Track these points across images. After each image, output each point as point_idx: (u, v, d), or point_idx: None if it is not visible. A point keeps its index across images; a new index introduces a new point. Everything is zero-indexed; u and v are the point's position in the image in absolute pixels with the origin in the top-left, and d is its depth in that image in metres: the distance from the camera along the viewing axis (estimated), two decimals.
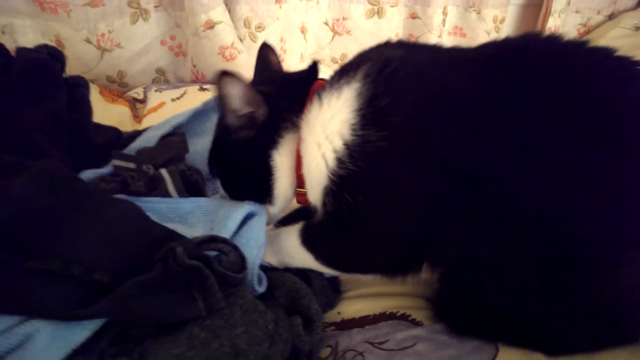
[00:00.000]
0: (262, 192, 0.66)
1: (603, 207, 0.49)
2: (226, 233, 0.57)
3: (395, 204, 0.56)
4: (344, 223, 0.59)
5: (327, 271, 0.67)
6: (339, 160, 0.56)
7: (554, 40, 0.57)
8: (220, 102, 0.59)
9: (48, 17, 1.24)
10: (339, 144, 0.56)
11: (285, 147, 0.63)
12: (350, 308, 0.67)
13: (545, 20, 1.65)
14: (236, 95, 0.59)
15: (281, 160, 0.64)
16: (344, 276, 0.73)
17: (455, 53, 0.60)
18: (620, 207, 0.49)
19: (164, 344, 0.44)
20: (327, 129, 0.57)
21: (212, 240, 0.50)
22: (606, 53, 0.55)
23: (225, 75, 0.57)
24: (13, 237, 0.48)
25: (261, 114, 0.62)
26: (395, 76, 0.54)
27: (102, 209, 0.53)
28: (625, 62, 0.54)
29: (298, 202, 0.69)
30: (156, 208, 0.60)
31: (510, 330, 0.57)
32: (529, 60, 0.53)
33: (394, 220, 0.57)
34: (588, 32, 1.78)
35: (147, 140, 0.76)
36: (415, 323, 0.63)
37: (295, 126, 0.62)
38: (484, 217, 0.53)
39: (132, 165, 0.65)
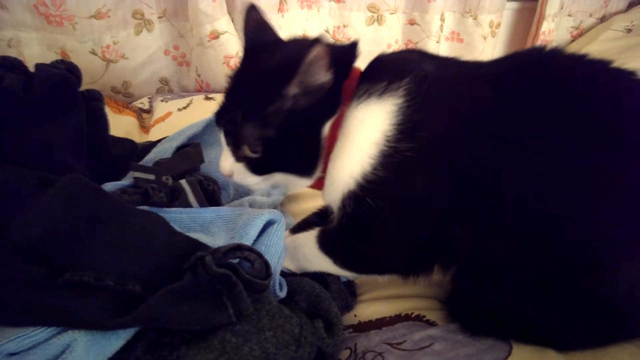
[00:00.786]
0: (306, 164, 0.63)
1: (613, 209, 0.52)
2: (247, 241, 0.59)
3: (414, 209, 0.59)
4: (362, 226, 0.60)
5: (345, 274, 0.68)
6: (371, 167, 0.57)
7: (558, 53, 0.61)
8: (296, 71, 0.55)
9: (54, 30, 1.26)
10: (375, 152, 0.57)
11: (330, 124, 0.62)
12: (367, 311, 0.69)
13: (539, 24, 1.68)
14: (316, 61, 0.55)
15: (325, 135, 0.62)
16: (360, 278, 0.75)
17: (476, 69, 0.63)
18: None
19: (197, 350, 0.46)
20: (369, 137, 0.58)
21: (238, 248, 0.51)
22: (604, 64, 0.59)
23: (319, 44, 0.53)
24: (45, 251, 0.49)
25: (329, 85, 0.58)
26: (428, 93, 0.57)
27: (129, 221, 0.55)
28: (621, 72, 0.58)
29: (313, 187, 0.68)
30: (178, 218, 0.62)
31: (519, 329, 0.59)
32: (540, 76, 0.57)
33: (411, 224, 0.60)
34: (580, 34, 1.82)
35: (163, 152, 0.77)
36: (430, 323, 0.65)
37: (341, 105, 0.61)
38: (495, 221, 0.56)
39: (151, 177, 0.67)
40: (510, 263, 0.57)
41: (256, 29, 0.68)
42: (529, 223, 0.54)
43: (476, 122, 0.56)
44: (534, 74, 0.58)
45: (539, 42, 1.70)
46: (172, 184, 0.67)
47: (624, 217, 0.53)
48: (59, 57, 1.25)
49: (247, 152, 0.62)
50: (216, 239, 0.60)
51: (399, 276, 0.66)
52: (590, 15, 1.79)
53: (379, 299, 0.72)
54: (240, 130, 0.60)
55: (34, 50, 1.28)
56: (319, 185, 0.66)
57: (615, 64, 0.58)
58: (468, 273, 0.61)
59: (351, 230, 0.62)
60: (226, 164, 0.64)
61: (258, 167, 0.63)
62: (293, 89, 0.57)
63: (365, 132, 0.59)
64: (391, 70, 0.61)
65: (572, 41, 1.82)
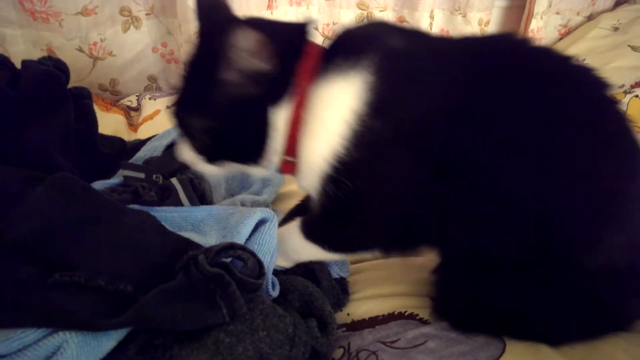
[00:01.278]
0: (252, 151, 0.62)
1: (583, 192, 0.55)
2: (239, 240, 0.59)
3: (391, 189, 0.58)
4: (342, 208, 0.60)
5: (335, 257, 0.68)
6: (344, 147, 0.56)
7: (527, 42, 0.62)
8: (226, 55, 0.54)
9: (40, 27, 1.24)
10: (346, 131, 0.56)
11: (284, 108, 0.60)
12: (360, 309, 0.69)
13: (528, 21, 1.69)
14: (248, 48, 0.54)
15: (277, 121, 0.60)
16: (350, 257, 0.74)
17: (449, 45, 0.62)
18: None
19: (190, 350, 0.45)
20: (339, 115, 0.56)
21: (231, 247, 0.51)
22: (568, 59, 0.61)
23: (241, 26, 0.53)
24: (35, 250, 0.48)
25: (269, 69, 0.57)
26: (400, 70, 0.57)
27: (119, 220, 0.54)
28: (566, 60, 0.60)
29: (282, 170, 0.66)
30: (169, 217, 0.61)
31: (505, 322, 0.60)
32: (513, 59, 0.58)
33: (390, 203, 0.59)
34: (568, 32, 1.84)
35: (153, 150, 0.76)
36: (424, 322, 0.65)
37: (294, 87, 0.59)
38: (472, 204, 0.57)
39: (141, 175, 0.66)
40: (491, 249, 0.57)
41: (208, 10, 0.65)
42: (506, 206, 0.55)
43: (449, 101, 0.56)
44: (507, 56, 0.58)
45: None
46: (163, 182, 0.66)
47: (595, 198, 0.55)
48: (45, 54, 1.22)
49: (195, 142, 0.62)
50: (208, 238, 0.60)
51: (384, 252, 0.67)
52: (578, 14, 1.81)
53: (372, 298, 0.71)
54: (184, 121, 0.60)
55: (20, 48, 1.25)
56: (289, 169, 0.64)
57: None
58: (452, 264, 0.62)
59: (333, 213, 0.61)
60: (183, 154, 0.64)
61: (209, 156, 0.63)
62: (231, 75, 0.56)
63: (335, 111, 0.57)
64: (359, 45, 0.59)
65: (560, 39, 1.84)
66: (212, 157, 0.63)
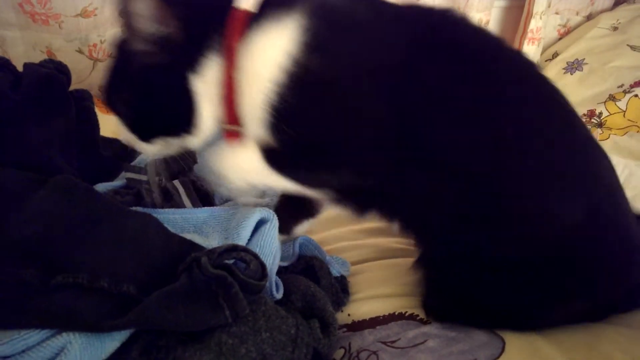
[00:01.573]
0: (180, 122, 0.61)
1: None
2: (241, 242, 0.59)
3: (336, 132, 0.58)
4: (295, 152, 0.60)
5: (294, 187, 0.65)
6: (282, 92, 0.55)
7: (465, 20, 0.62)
8: (124, 22, 0.54)
9: (39, 29, 1.24)
10: (277, 72, 0.55)
11: (209, 74, 0.59)
12: (360, 310, 0.70)
13: (527, 21, 1.70)
14: (145, 13, 0.53)
15: (203, 87, 0.60)
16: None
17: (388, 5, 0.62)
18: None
19: (194, 352, 0.45)
20: (267, 57, 0.56)
21: (234, 249, 0.51)
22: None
23: None
24: (38, 253, 0.49)
25: (175, 35, 0.57)
26: (336, 11, 0.57)
27: (122, 222, 0.54)
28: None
29: (228, 139, 0.65)
30: (171, 219, 0.61)
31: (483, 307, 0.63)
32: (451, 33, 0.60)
33: (337, 148, 0.59)
34: (568, 32, 1.84)
35: None
36: (424, 322, 0.66)
37: (219, 51, 0.59)
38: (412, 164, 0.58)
39: (144, 178, 0.66)
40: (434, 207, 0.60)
41: None
42: (449, 169, 0.57)
43: (386, 52, 0.56)
44: (445, 29, 0.60)
45: (527, 40, 1.72)
46: (165, 184, 0.67)
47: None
48: (44, 57, 1.23)
49: (125, 120, 0.62)
50: (210, 240, 0.60)
51: (336, 197, 0.66)
52: (577, 13, 1.82)
53: (373, 298, 0.72)
54: (112, 101, 0.61)
55: (19, 50, 1.25)
56: (234, 137, 0.64)
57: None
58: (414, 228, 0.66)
59: (291, 150, 0.60)
60: (122, 134, 0.64)
61: (141, 134, 0.62)
62: (138, 45, 0.56)
63: (267, 58, 0.56)
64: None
65: (560, 39, 1.84)
66: (144, 134, 0.63)
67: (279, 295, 0.60)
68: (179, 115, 0.61)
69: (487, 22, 1.70)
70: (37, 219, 0.51)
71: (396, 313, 0.67)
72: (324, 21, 0.56)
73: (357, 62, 0.56)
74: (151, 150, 0.65)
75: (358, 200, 0.66)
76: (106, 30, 1.31)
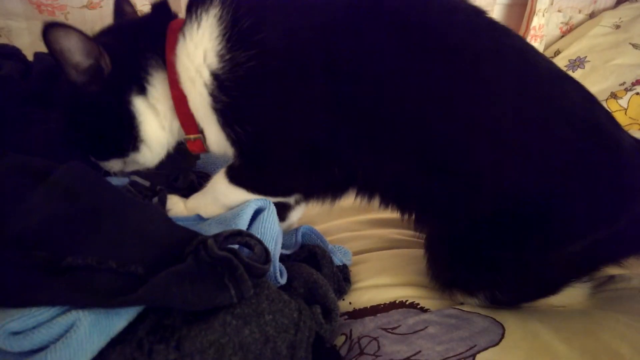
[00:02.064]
0: (123, 142, 0.64)
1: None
2: None
3: (283, 122, 0.58)
4: (251, 153, 0.61)
5: (261, 198, 0.67)
6: (213, 94, 0.56)
7: None
8: (57, 58, 0.56)
9: (45, 19, 1.24)
10: (207, 74, 0.56)
11: (156, 91, 0.62)
12: (362, 298, 0.71)
13: (530, 19, 1.70)
14: (72, 48, 0.56)
15: (148, 106, 0.63)
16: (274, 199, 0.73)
17: None
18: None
19: (199, 331, 0.46)
20: (194, 62, 0.57)
21: (239, 234, 0.52)
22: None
23: (54, 27, 0.55)
24: (49, 235, 0.50)
25: (105, 63, 0.59)
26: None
27: (130, 209, 0.55)
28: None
29: (191, 150, 0.69)
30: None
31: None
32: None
33: (290, 140, 0.60)
34: (570, 30, 1.84)
35: None
36: (424, 310, 0.66)
37: (161, 68, 0.61)
38: (369, 135, 0.59)
39: (147, 184, 0.69)
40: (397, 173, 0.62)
41: (116, 16, 0.72)
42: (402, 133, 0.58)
43: (320, 21, 0.55)
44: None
45: (529, 37, 1.73)
46: (161, 195, 0.68)
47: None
48: None
49: (76, 143, 0.65)
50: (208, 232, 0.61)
51: (305, 196, 0.68)
52: (580, 11, 1.82)
53: (374, 287, 0.73)
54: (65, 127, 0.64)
55: (25, 40, 1.26)
56: (198, 146, 0.66)
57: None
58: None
59: (247, 160, 0.62)
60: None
61: (95, 155, 0.66)
62: (72, 74, 0.59)
63: (194, 63, 0.57)
64: None
65: (562, 37, 1.85)
66: (97, 155, 0.66)
67: (282, 280, 0.61)
68: (121, 136, 0.64)
69: None
70: (49, 203, 0.52)
71: (397, 301, 0.68)
72: (238, 7, 0.55)
73: (285, 40, 0.55)
74: (112, 167, 0.68)
75: (327, 189, 0.68)
76: (111, 22, 1.31)
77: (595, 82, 1.55)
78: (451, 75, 0.57)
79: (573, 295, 0.66)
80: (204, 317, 0.48)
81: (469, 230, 0.62)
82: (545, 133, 0.58)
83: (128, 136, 0.63)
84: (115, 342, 0.45)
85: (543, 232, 0.60)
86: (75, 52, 0.57)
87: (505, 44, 0.60)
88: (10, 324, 0.41)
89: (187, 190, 0.74)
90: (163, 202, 0.69)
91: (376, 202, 0.67)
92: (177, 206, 0.70)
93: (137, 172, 0.73)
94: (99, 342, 0.44)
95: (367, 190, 0.67)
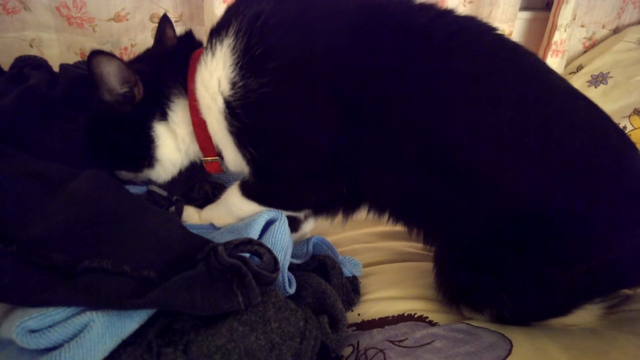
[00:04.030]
0: (140, 159, 0.69)
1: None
2: None
3: (296, 144, 0.61)
4: (264, 172, 0.64)
5: (274, 211, 0.69)
6: (228, 119, 0.60)
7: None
8: (96, 81, 0.61)
9: (74, 32, 1.30)
10: (221, 101, 0.59)
11: (176, 116, 0.67)
12: (370, 310, 0.71)
13: (551, 34, 1.69)
14: (112, 74, 0.61)
15: (166, 129, 0.67)
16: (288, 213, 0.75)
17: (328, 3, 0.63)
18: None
19: (206, 336, 0.48)
20: (210, 89, 0.60)
21: (249, 242, 0.54)
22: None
23: (99, 54, 0.59)
24: (67, 239, 0.52)
25: (138, 91, 0.64)
26: (266, 26, 0.58)
27: (145, 215, 0.57)
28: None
29: (208, 171, 0.73)
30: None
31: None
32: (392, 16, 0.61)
33: (302, 160, 0.62)
34: (593, 45, 1.83)
35: None
36: (432, 324, 0.67)
37: (182, 95, 0.66)
38: (388, 153, 0.60)
39: (164, 193, 0.72)
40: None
41: (157, 38, 0.76)
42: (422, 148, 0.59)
43: (329, 49, 0.58)
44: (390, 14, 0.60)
45: (550, 52, 1.71)
46: (180, 205, 0.71)
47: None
48: (78, 58, 1.29)
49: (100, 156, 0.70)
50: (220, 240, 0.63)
51: (320, 212, 0.72)
52: (603, 27, 1.80)
53: (383, 299, 0.73)
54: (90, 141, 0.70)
55: (55, 51, 1.32)
56: (215, 167, 0.71)
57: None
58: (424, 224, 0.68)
59: (260, 176, 0.65)
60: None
61: (108, 165, 0.70)
62: (105, 94, 0.63)
63: (207, 90, 0.61)
64: (219, 23, 0.62)
65: (585, 52, 1.83)
66: (112, 166, 0.70)
67: (291, 290, 0.62)
68: (138, 154, 0.69)
69: (511, 34, 1.70)
70: (69, 208, 0.54)
71: (405, 314, 0.68)
72: (252, 34, 0.58)
73: (295, 67, 0.58)
74: (124, 177, 0.73)
75: (336, 206, 0.70)
76: (137, 34, 1.36)
77: (618, 98, 1.53)
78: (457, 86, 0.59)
79: (584, 315, 0.65)
80: (212, 322, 0.49)
81: (476, 246, 0.62)
82: (558, 150, 0.58)
83: (144, 155, 0.69)
84: (126, 344, 0.47)
85: (550, 251, 0.60)
86: (114, 79, 0.62)
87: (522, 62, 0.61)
88: (28, 322, 0.43)
89: (202, 200, 0.77)
90: (180, 211, 0.72)
91: (386, 217, 0.69)
92: (192, 217, 0.73)
93: (155, 182, 0.76)
94: (111, 343, 0.45)
95: (376, 206, 0.68)
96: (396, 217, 0.68)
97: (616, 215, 0.58)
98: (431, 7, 0.62)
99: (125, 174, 0.73)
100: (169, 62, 0.68)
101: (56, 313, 0.45)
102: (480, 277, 0.64)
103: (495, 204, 0.60)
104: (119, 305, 0.46)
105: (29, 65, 0.72)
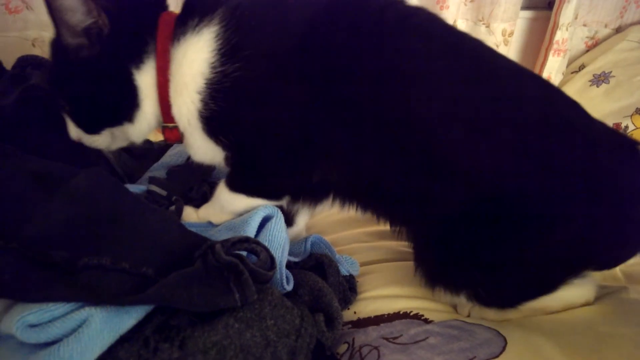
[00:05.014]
0: (121, 109, 0.66)
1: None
2: None
3: (266, 126, 0.63)
4: (242, 158, 0.66)
5: (260, 202, 0.70)
6: (204, 101, 0.61)
7: None
8: (53, 16, 0.57)
9: None
10: (201, 82, 0.60)
11: (147, 70, 0.64)
12: (366, 308, 0.72)
13: (553, 33, 1.69)
14: (71, 5, 0.57)
15: (143, 82, 0.64)
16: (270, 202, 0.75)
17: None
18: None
19: (202, 332, 0.48)
20: (192, 69, 0.61)
21: (246, 240, 0.55)
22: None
23: None
24: (67, 236, 0.53)
25: (103, 25, 0.60)
26: (242, 17, 0.61)
27: (144, 214, 0.58)
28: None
29: (166, 138, 0.71)
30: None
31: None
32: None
33: (273, 142, 0.64)
34: (595, 44, 1.82)
35: (177, 155, 0.81)
36: (428, 322, 0.67)
37: (152, 53, 0.64)
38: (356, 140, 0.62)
39: (164, 193, 0.72)
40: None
41: None
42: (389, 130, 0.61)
43: (289, 39, 0.61)
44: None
45: (552, 52, 1.71)
46: (180, 205, 0.72)
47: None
48: None
49: (70, 115, 0.66)
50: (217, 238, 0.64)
51: (293, 198, 0.73)
52: (606, 26, 1.80)
53: (379, 298, 0.74)
54: (56, 97, 0.65)
55: None
56: (174, 136, 0.69)
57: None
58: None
59: (239, 165, 0.66)
60: (71, 131, 0.69)
61: (86, 126, 0.67)
62: (67, 37, 0.60)
63: (189, 67, 0.61)
64: (204, 4, 0.64)
65: (587, 51, 1.82)
66: (89, 126, 0.67)
67: (289, 287, 0.62)
68: (120, 103, 0.66)
69: (512, 33, 1.70)
70: (69, 206, 0.55)
71: (401, 312, 0.69)
72: (234, 25, 0.61)
73: (266, 56, 0.61)
74: (100, 143, 0.70)
75: (310, 192, 0.72)
76: None
77: (620, 97, 1.53)
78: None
79: (577, 293, 0.66)
80: (208, 319, 0.50)
81: (448, 226, 0.63)
82: (508, 126, 0.60)
83: (127, 104, 0.65)
84: (123, 340, 0.47)
85: (518, 227, 0.60)
86: (73, 10, 0.58)
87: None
88: (28, 316, 0.44)
89: (200, 200, 0.78)
90: (180, 211, 0.73)
91: (354, 205, 0.71)
92: (190, 216, 0.74)
93: (155, 181, 0.76)
94: (109, 338, 0.46)
95: (344, 194, 0.71)
96: (365, 203, 0.70)
97: (571, 186, 0.59)
98: None
99: (102, 140, 0.70)
100: (138, 11, 0.65)
101: (55, 308, 0.45)
102: (452, 257, 0.65)
103: (454, 182, 0.62)
104: (117, 302, 0.47)
105: (31, 65, 0.74)
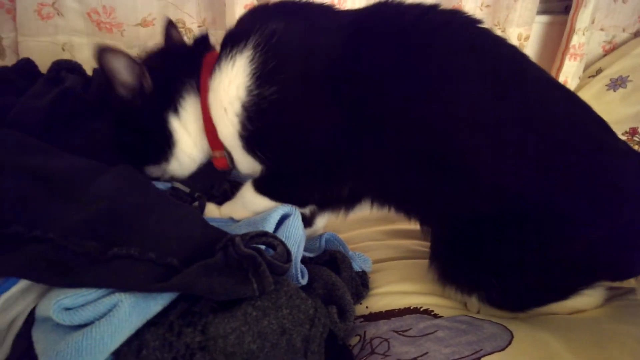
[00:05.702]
0: (158, 153, 0.74)
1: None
2: None
3: (300, 145, 0.67)
4: (273, 171, 0.70)
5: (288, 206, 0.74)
6: (242, 122, 0.66)
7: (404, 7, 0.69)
8: (109, 77, 0.67)
9: (104, 36, 1.37)
10: (238, 106, 0.65)
11: (187, 112, 0.72)
12: (378, 303, 0.74)
13: (569, 37, 1.69)
14: (121, 67, 0.67)
15: (181, 123, 0.73)
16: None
17: (330, 20, 0.70)
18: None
19: (222, 318, 0.52)
20: (229, 94, 0.66)
21: (264, 235, 0.58)
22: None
23: (106, 50, 0.65)
24: (99, 228, 0.57)
25: (146, 82, 0.70)
26: (279, 43, 0.65)
27: (169, 209, 0.62)
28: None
29: (216, 167, 0.78)
30: None
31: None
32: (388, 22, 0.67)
33: (305, 160, 0.68)
34: (613, 49, 1.81)
35: None
36: (437, 317, 0.69)
37: (194, 93, 0.71)
38: (387, 149, 0.65)
39: (187, 190, 0.77)
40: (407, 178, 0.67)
41: (165, 38, 0.84)
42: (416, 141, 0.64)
43: (328, 62, 0.64)
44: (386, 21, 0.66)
45: (569, 56, 1.71)
46: (203, 202, 0.76)
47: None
48: None
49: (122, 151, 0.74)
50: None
51: (324, 208, 0.77)
52: (624, 30, 1.79)
53: (391, 294, 0.76)
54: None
55: (85, 54, 1.38)
56: (223, 163, 0.76)
57: None
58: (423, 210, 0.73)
59: (269, 175, 0.71)
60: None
61: (129, 161, 0.72)
62: (119, 89, 0.68)
63: (225, 92, 0.66)
64: (237, 33, 0.68)
65: (605, 55, 1.82)
66: (136, 162, 0.74)
67: (303, 281, 0.66)
68: (156, 147, 0.74)
69: (527, 38, 1.71)
70: (101, 201, 0.59)
71: (411, 307, 0.71)
72: (270, 50, 0.64)
73: (301, 79, 0.65)
74: (152, 173, 0.78)
75: (339, 202, 0.76)
76: (162, 38, 1.42)
77: (637, 102, 1.52)
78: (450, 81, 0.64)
79: (586, 301, 0.68)
80: (228, 307, 0.53)
81: (466, 229, 0.66)
82: (536, 138, 0.62)
83: (162, 148, 0.74)
84: (150, 324, 0.51)
85: (536, 234, 0.62)
86: (122, 72, 0.68)
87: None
88: (64, 300, 0.48)
89: (221, 197, 0.82)
90: (202, 207, 0.77)
91: (387, 209, 0.75)
92: (212, 213, 0.79)
93: (178, 179, 0.81)
94: (137, 322, 0.50)
95: (378, 200, 0.74)
96: (397, 207, 0.74)
97: (593, 202, 0.61)
98: (418, 6, 0.68)
99: (152, 170, 0.78)
100: (181, 60, 0.74)
101: (89, 293, 0.49)
102: (470, 259, 0.67)
103: (479, 192, 0.64)
104: (145, 289, 0.50)
105: (65, 69, 0.79)
